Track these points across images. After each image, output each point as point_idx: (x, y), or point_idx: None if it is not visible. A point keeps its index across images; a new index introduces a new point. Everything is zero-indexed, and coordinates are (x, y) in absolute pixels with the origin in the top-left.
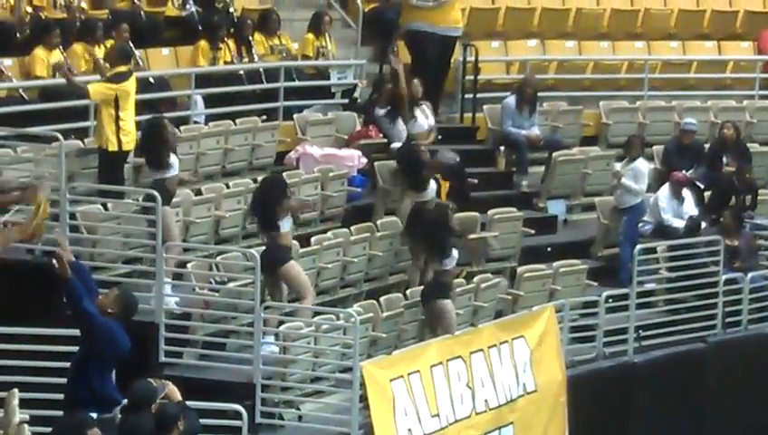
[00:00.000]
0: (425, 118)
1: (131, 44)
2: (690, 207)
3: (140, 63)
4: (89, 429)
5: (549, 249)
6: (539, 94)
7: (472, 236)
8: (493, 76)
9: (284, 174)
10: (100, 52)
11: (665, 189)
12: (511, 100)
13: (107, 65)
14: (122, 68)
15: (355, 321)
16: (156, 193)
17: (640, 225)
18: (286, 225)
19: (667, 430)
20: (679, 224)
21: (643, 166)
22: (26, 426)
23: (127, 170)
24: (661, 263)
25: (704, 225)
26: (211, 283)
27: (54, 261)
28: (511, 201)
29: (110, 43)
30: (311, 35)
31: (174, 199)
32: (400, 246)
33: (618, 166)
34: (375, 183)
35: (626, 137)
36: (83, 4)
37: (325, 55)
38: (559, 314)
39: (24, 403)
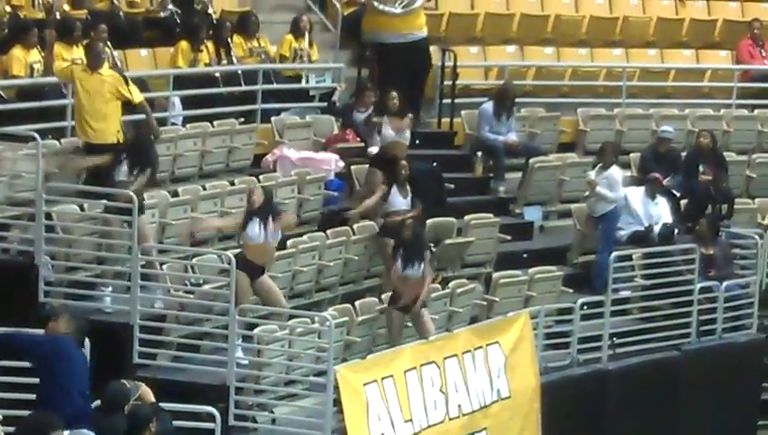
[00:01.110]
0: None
1: (110, 45)
2: (664, 213)
3: (119, 64)
4: (53, 430)
5: (525, 255)
6: (517, 100)
7: (449, 241)
8: (471, 82)
9: (262, 176)
10: (78, 51)
11: (638, 191)
12: (488, 106)
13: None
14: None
15: (330, 325)
16: (133, 195)
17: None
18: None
19: None
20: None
21: (617, 173)
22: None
23: None
24: (636, 270)
25: (676, 232)
26: (186, 285)
27: None
28: (487, 207)
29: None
30: (289, 36)
31: (150, 201)
32: (376, 251)
33: (592, 174)
34: (352, 187)
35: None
36: (65, 6)
37: (302, 58)
38: (534, 320)
39: None
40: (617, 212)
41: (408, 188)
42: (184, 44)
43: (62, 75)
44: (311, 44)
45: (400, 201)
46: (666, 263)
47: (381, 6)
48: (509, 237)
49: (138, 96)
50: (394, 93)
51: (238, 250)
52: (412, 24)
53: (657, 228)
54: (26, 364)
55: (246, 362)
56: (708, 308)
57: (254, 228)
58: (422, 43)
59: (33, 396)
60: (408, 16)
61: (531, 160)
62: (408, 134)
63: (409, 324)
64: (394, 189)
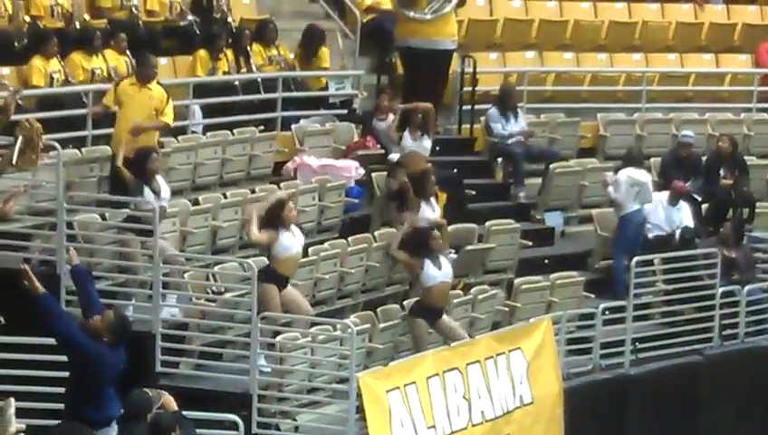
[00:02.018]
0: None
1: (129, 54)
2: (686, 218)
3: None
4: None
5: (546, 261)
6: (539, 105)
7: (469, 247)
8: (491, 88)
9: (282, 184)
10: (97, 61)
11: (661, 196)
12: (494, 110)
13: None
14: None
15: (352, 332)
16: (155, 205)
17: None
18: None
19: None
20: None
21: (622, 175)
22: None
23: None
24: (658, 275)
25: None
26: (208, 293)
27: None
28: (508, 213)
29: (108, 52)
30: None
31: (171, 210)
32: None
33: (608, 175)
34: (372, 194)
35: (624, 149)
36: (85, 15)
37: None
38: (556, 325)
39: (21, 413)
40: (632, 217)
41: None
42: (202, 53)
43: (111, 102)
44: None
45: (429, 214)
46: (687, 267)
47: (412, 14)
48: (530, 243)
49: (171, 118)
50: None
51: (257, 257)
52: (443, 30)
53: (678, 233)
54: (48, 374)
55: (269, 369)
56: (731, 312)
57: (289, 240)
58: (450, 55)
59: (56, 405)
60: (437, 22)
61: (551, 166)
62: (427, 144)
63: (431, 331)
64: (423, 205)
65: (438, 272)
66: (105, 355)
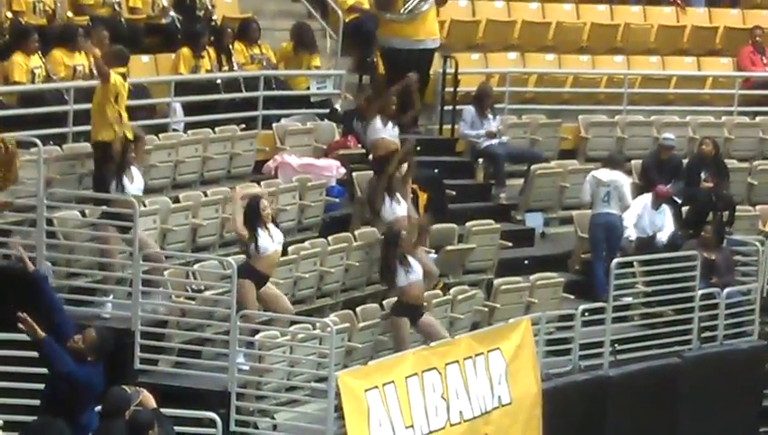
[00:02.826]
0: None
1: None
2: (668, 221)
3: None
4: None
5: (526, 262)
6: (521, 106)
7: (450, 247)
8: (472, 88)
9: (263, 183)
10: (79, 58)
11: (643, 199)
12: (470, 108)
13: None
14: (120, 69)
15: (331, 331)
16: (134, 200)
17: (627, 236)
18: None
19: None
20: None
21: (588, 176)
22: (0, 431)
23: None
24: (638, 277)
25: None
26: (187, 291)
27: (21, 324)
28: (488, 213)
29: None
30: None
31: (151, 207)
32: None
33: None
34: (353, 193)
35: (605, 151)
36: (68, 12)
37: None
38: (535, 326)
39: (0, 408)
40: (597, 219)
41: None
42: (185, 51)
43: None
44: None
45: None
46: (667, 269)
47: (388, 15)
48: (510, 244)
49: None
50: (394, 98)
51: (237, 256)
52: (422, 29)
53: (660, 235)
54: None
55: (247, 367)
56: (710, 315)
57: (267, 239)
58: (431, 54)
59: (34, 401)
60: (415, 21)
61: (532, 167)
62: (395, 131)
63: (411, 331)
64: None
65: (406, 274)
66: (92, 378)
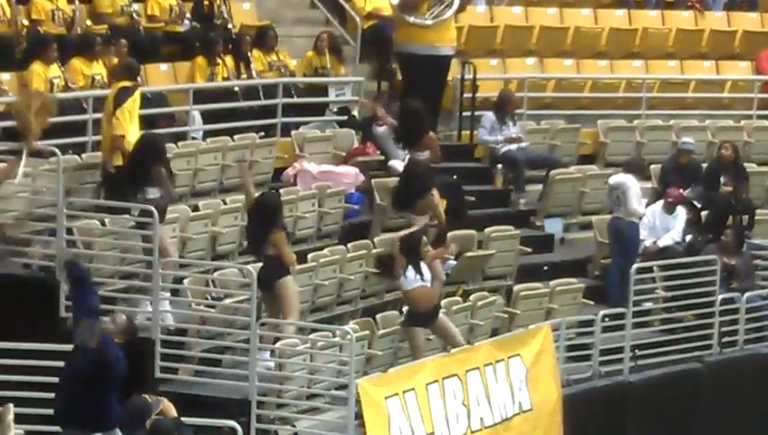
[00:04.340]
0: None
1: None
2: (678, 226)
3: (139, 79)
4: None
5: (545, 268)
6: (539, 112)
7: (469, 254)
8: (491, 94)
9: (281, 190)
10: (98, 67)
11: (657, 205)
12: (487, 116)
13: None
14: (127, 83)
15: (351, 338)
16: (153, 209)
17: (645, 242)
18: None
19: None
20: (666, 241)
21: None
22: None
23: None
24: (658, 282)
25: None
26: (207, 299)
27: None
28: (508, 219)
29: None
30: (311, 53)
31: (170, 216)
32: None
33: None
34: (372, 200)
35: (624, 156)
36: (87, 21)
37: (325, 75)
38: (555, 332)
39: (20, 418)
40: (610, 224)
41: None
42: (200, 60)
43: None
44: (340, 61)
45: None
46: (687, 274)
47: (412, 19)
48: (530, 250)
49: None
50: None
51: (257, 264)
52: (443, 36)
53: (661, 240)
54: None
55: (272, 364)
56: (730, 320)
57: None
58: (449, 60)
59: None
60: (438, 28)
61: (551, 173)
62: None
63: (431, 338)
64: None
65: (416, 279)
66: (118, 353)
